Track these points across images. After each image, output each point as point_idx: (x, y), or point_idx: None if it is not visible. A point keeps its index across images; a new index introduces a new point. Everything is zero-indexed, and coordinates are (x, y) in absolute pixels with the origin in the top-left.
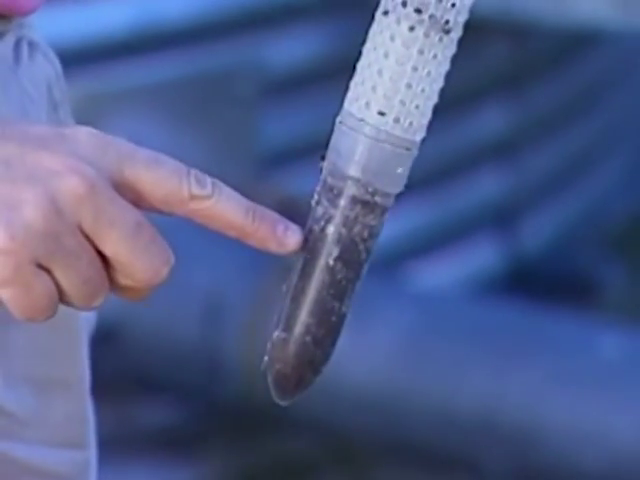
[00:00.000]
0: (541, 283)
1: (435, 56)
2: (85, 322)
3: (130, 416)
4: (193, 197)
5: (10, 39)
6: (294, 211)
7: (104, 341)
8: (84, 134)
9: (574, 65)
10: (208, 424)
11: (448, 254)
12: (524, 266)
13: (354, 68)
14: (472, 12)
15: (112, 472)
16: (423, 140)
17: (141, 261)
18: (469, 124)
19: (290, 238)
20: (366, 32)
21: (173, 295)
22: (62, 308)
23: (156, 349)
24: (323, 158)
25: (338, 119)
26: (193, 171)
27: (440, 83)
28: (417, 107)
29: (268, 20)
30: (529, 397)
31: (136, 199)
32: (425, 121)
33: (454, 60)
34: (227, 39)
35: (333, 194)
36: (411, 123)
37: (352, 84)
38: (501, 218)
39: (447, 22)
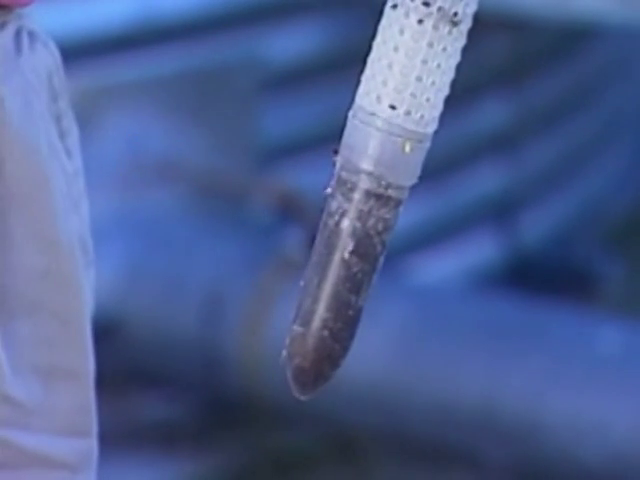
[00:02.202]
0: (540, 277)
1: (445, 48)
2: (88, 312)
3: (129, 410)
4: None
5: (10, 29)
6: (293, 205)
7: (103, 335)
8: None
9: (573, 59)
10: (207, 418)
11: (447, 248)
12: (523, 260)
13: (353, 62)
14: None
15: (110, 466)
16: None
17: None
18: (469, 118)
19: None
20: (364, 27)
21: (172, 289)
22: (68, 300)
23: (155, 343)
24: (336, 152)
25: (350, 113)
26: None
27: (450, 75)
28: (428, 100)
29: (267, 15)
30: (528, 392)
31: None
32: (436, 113)
33: None
34: (226, 34)
35: (347, 188)
36: (422, 116)
37: (363, 78)
38: (500, 212)
39: (456, 14)
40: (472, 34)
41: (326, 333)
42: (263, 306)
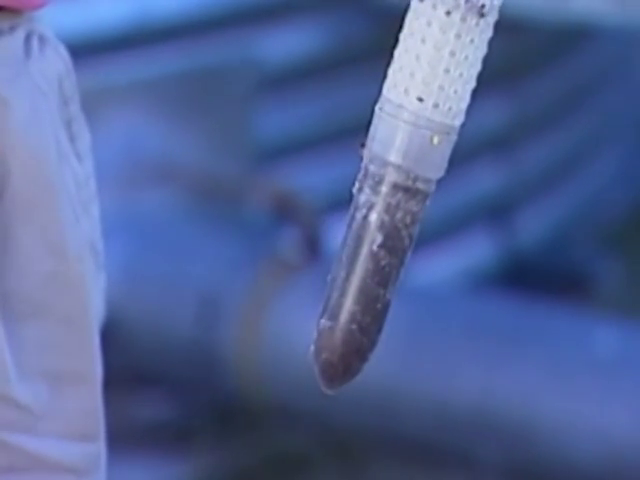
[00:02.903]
0: (536, 278)
1: (472, 40)
2: (97, 316)
3: (125, 411)
4: None
5: (21, 33)
6: (289, 206)
7: (100, 336)
8: None
9: (570, 59)
10: (203, 419)
11: (444, 248)
12: (519, 261)
13: (349, 63)
14: None
15: (109, 466)
16: None
17: None
18: (465, 118)
19: None
20: (360, 27)
21: (168, 290)
22: (75, 304)
23: (151, 345)
24: (363, 145)
25: (377, 106)
26: None
27: (478, 67)
28: (455, 92)
29: (263, 16)
30: (524, 392)
31: None
32: (464, 105)
33: None
34: (222, 34)
35: (374, 181)
36: (450, 108)
37: (390, 71)
38: (497, 213)
39: (483, 6)
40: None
41: (354, 327)
42: (259, 307)
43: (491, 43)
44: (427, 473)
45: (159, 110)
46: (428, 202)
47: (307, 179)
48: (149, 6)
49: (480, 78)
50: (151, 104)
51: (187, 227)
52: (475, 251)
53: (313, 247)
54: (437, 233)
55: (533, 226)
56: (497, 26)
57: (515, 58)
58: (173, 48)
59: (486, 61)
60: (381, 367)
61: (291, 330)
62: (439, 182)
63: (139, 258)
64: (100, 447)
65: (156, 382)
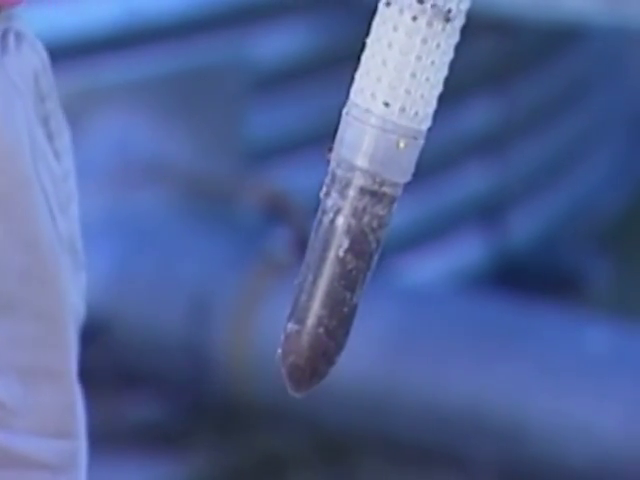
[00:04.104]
0: (528, 278)
1: (438, 45)
2: (74, 313)
3: (116, 411)
4: None
5: None
6: (281, 206)
7: (90, 336)
8: None
9: (560, 59)
10: (195, 419)
11: (435, 249)
12: (511, 261)
13: (341, 63)
14: None
15: (99, 467)
16: None
17: None
18: (455, 119)
19: None
20: (352, 27)
21: (160, 290)
22: (49, 300)
23: (142, 344)
24: (330, 150)
25: (344, 110)
26: None
27: (444, 72)
28: (422, 96)
29: (255, 15)
30: (515, 392)
31: None
32: (430, 110)
33: None
34: (214, 34)
35: (342, 185)
36: (417, 112)
37: (357, 75)
38: (488, 213)
39: (449, 11)
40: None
41: (321, 330)
42: (250, 307)
43: (481, 43)
44: (418, 473)
45: (150, 110)
46: (395, 206)
47: (298, 179)
48: (140, 6)
49: (470, 78)
50: (142, 104)
51: (178, 227)
52: (466, 251)
53: (304, 247)
54: (429, 233)
55: (524, 226)
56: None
57: (505, 58)
58: (164, 48)
59: (476, 61)
60: (372, 367)
61: (281, 330)
62: (431, 182)
63: (130, 258)
64: (77, 444)
65: (147, 382)
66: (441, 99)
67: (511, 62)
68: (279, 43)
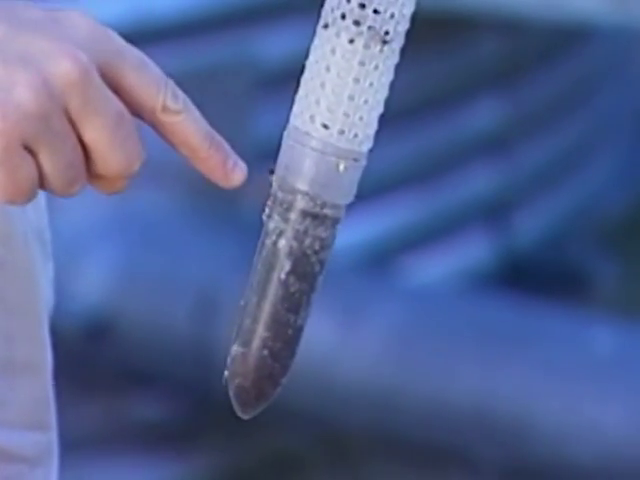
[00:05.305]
0: (533, 278)
1: (376, 67)
2: (46, 305)
3: (121, 410)
4: (165, 109)
5: None
6: None
7: (96, 335)
8: (79, 19)
9: (565, 60)
10: (200, 419)
11: (440, 249)
12: (516, 261)
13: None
14: (462, 8)
15: (104, 466)
16: (415, 135)
17: (118, 151)
18: (461, 119)
19: (237, 174)
20: None
21: (165, 289)
22: (23, 292)
23: (148, 344)
24: (272, 172)
25: (285, 133)
26: (171, 84)
27: (384, 93)
28: (361, 118)
29: (259, 14)
30: (521, 391)
31: None
32: (371, 131)
33: (445, 55)
34: (218, 34)
35: (283, 208)
36: (356, 134)
37: (296, 98)
38: (493, 213)
39: (387, 33)
40: (463, 36)
41: (266, 353)
42: None
43: (486, 43)
44: (425, 472)
45: None
46: (338, 228)
47: None
48: (144, 6)
49: (476, 79)
50: None
51: (183, 226)
52: (472, 251)
53: None
54: (434, 234)
55: (530, 226)
56: (492, 27)
57: (510, 58)
58: (170, 48)
59: (481, 62)
60: (379, 367)
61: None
62: (436, 182)
63: (135, 257)
64: (52, 437)
65: (152, 381)
66: (447, 99)
67: (517, 62)
68: (284, 43)
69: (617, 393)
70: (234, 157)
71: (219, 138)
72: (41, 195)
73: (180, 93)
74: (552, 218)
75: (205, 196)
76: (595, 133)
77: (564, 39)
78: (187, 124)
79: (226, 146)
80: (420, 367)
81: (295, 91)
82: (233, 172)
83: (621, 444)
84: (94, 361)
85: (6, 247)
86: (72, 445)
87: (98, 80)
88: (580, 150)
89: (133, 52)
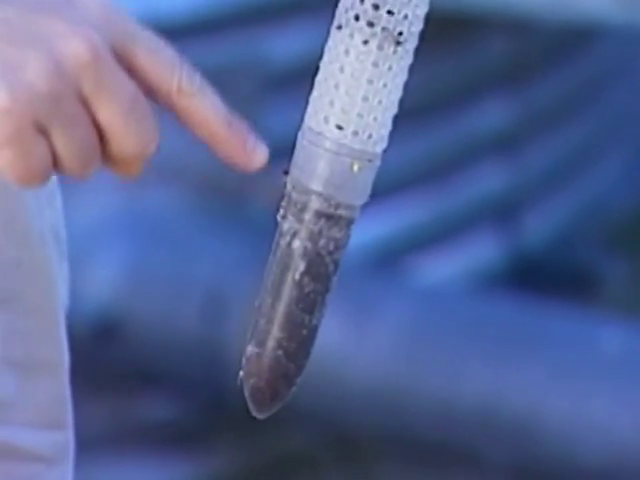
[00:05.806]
0: (542, 278)
1: (390, 68)
2: (63, 304)
3: (131, 410)
4: (180, 91)
5: None
6: None
7: (105, 335)
8: (92, 1)
9: (575, 59)
10: (209, 419)
11: (449, 249)
12: (525, 261)
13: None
14: (472, 8)
15: (113, 467)
16: (424, 135)
17: (133, 133)
18: (470, 119)
19: (258, 156)
20: None
21: (174, 289)
22: (41, 292)
23: (157, 343)
24: (287, 173)
25: (299, 133)
26: (186, 66)
27: (398, 94)
28: (375, 119)
29: (269, 14)
30: (530, 392)
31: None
32: (385, 132)
33: (454, 55)
34: (227, 34)
35: (297, 208)
36: (370, 135)
37: (310, 99)
38: (502, 213)
39: (400, 33)
40: (473, 36)
41: (280, 353)
42: None
43: (495, 43)
44: (433, 472)
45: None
46: (352, 228)
47: None
48: (152, 7)
49: (485, 79)
50: None
51: (192, 225)
52: (481, 251)
53: None
54: (443, 233)
55: (539, 226)
56: (501, 27)
57: (520, 59)
58: (176, 49)
59: (491, 62)
60: (388, 367)
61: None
62: (445, 182)
63: (144, 257)
64: (68, 436)
65: (161, 381)
66: (456, 99)
67: (526, 62)
68: (294, 42)
69: (626, 393)
70: (254, 138)
71: (238, 119)
72: (57, 194)
73: (195, 74)
74: (561, 218)
75: (215, 195)
76: (604, 133)
77: (573, 39)
78: (204, 105)
79: (245, 127)
80: (429, 366)
81: (305, 91)
82: (254, 153)
83: (629, 444)
84: (103, 361)
85: (23, 246)
86: (82, 445)
87: (111, 61)
88: (589, 150)
89: (147, 34)
